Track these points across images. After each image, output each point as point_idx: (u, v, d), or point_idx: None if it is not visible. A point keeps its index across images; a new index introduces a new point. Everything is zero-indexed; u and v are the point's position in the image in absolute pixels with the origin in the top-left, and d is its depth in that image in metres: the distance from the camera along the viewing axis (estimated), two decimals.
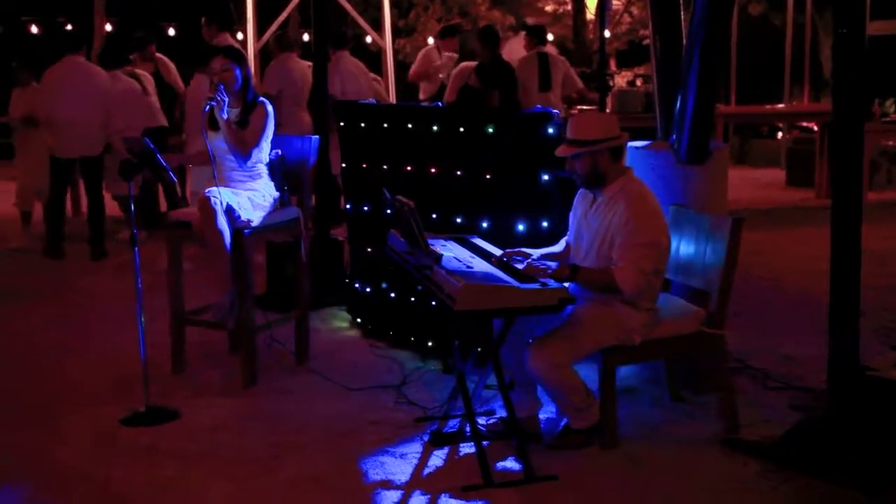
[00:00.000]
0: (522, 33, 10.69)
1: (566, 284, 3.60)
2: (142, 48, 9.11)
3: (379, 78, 10.31)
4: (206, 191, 4.59)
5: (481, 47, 8.08)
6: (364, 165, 5.34)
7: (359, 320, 5.62)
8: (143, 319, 4.38)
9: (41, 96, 7.92)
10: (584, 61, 14.24)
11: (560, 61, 9.59)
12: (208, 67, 4.80)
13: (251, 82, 4.88)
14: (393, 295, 5.26)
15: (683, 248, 4.14)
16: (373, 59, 12.56)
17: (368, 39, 12.88)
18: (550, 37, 11.91)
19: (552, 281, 3.60)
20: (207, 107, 4.69)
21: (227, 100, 4.68)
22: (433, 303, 4.87)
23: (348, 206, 5.56)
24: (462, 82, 8.18)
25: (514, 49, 10.73)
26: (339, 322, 5.78)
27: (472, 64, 8.39)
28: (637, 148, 4.57)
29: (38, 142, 8.13)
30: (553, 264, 3.77)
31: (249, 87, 4.83)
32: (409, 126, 5.00)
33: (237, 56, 4.86)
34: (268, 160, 4.88)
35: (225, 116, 4.66)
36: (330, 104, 6.48)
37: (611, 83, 11.19)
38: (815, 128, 11.27)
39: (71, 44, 7.95)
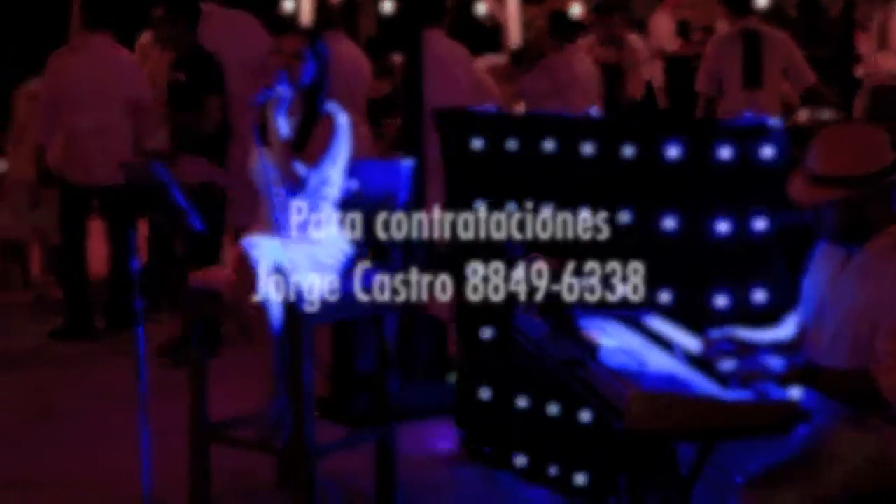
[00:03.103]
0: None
1: (796, 393, 3.54)
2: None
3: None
4: (245, 242, 4.66)
5: (177, 28, 7.67)
6: (481, 206, 5.37)
7: (471, 439, 5.64)
8: (149, 435, 4.45)
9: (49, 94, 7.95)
10: (819, 38, 13.99)
11: (780, 42, 9.33)
12: (272, 47, 4.94)
13: (327, 82, 4.94)
14: (523, 403, 5.28)
15: None
16: (485, 39, 12.51)
17: (481, 10, 12.90)
18: (762, 1, 11.65)
19: (774, 388, 3.54)
20: (262, 98, 4.78)
21: (289, 98, 4.79)
22: (587, 417, 4.90)
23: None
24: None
25: (660, 27, 10.70)
26: (442, 442, 5.81)
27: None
28: None
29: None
30: (776, 363, 3.70)
31: (323, 90, 4.92)
32: (549, 146, 5.08)
33: (317, 42, 4.96)
34: (339, 197, 4.95)
35: (283, 129, 4.76)
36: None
37: (860, 73, 10.93)
38: None
39: (94, 16, 7.94)
